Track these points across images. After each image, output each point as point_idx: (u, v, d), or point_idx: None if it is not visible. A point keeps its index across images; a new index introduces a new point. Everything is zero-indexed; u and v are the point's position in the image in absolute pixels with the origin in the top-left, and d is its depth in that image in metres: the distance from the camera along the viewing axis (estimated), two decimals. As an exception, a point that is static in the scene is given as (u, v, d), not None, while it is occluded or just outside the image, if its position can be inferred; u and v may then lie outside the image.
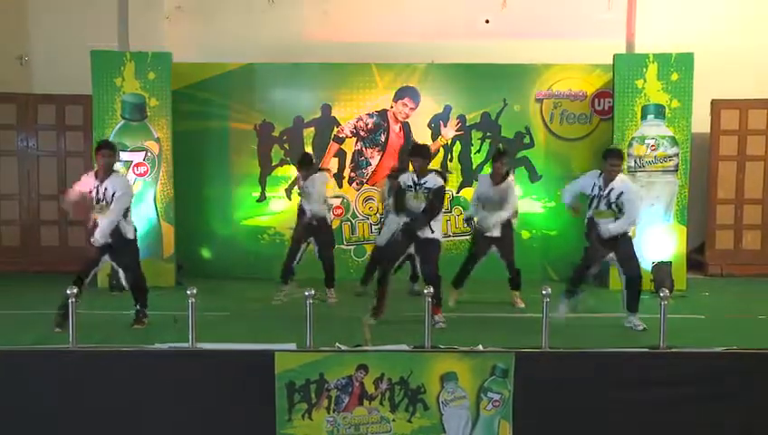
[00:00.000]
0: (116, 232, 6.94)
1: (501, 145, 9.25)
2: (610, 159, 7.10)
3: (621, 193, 7.01)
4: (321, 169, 8.57)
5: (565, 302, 7.27)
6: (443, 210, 7.51)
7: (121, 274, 7.21)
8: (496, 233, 7.84)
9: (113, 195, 6.89)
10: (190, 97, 9.62)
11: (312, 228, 8.20)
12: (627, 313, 7.22)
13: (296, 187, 8.72)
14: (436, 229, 7.28)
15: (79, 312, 5.83)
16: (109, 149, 7.08)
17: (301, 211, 8.34)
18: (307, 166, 8.24)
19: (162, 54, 9.22)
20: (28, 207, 10.31)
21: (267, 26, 10.31)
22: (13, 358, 5.80)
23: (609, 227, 7.03)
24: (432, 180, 7.27)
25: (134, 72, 9.06)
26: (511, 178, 8.06)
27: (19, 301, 8.22)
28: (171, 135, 9.18)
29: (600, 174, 7.17)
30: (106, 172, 6.98)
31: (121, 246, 7.00)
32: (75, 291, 5.77)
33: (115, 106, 9.08)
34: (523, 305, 8.07)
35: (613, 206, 7.04)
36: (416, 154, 7.40)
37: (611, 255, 7.19)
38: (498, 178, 7.90)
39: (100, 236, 6.85)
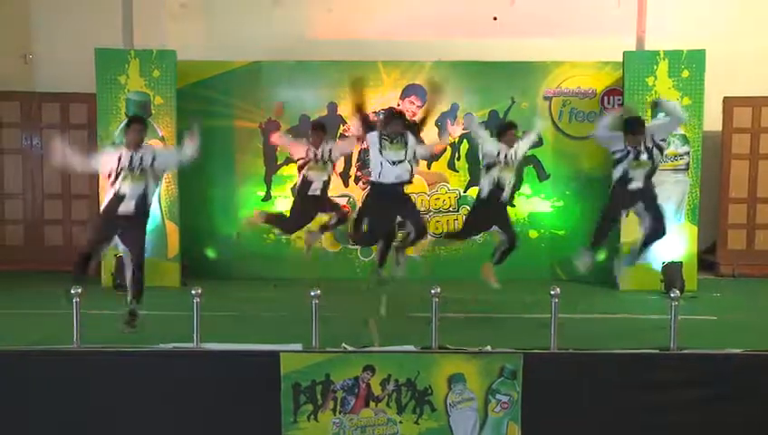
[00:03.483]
0: (142, 199, 6.66)
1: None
2: (635, 128, 7.02)
3: (653, 133, 7.04)
4: None
5: (589, 253, 7.26)
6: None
7: (125, 253, 6.81)
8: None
9: (153, 160, 6.65)
10: (195, 95, 9.56)
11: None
12: (629, 257, 7.28)
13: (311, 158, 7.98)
14: None
15: (83, 311, 5.78)
16: (140, 123, 6.82)
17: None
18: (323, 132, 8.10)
19: (167, 52, 9.16)
20: (32, 206, 10.28)
21: (272, 24, 10.26)
22: (16, 358, 5.76)
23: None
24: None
25: (139, 70, 9.01)
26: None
27: (23, 300, 8.17)
28: (176, 134, 9.12)
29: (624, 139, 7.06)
30: (138, 145, 6.71)
31: (140, 216, 6.70)
32: (79, 290, 5.72)
33: (119, 104, 9.02)
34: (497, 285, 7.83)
35: (654, 150, 7.01)
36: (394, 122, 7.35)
37: (639, 204, 7.10)
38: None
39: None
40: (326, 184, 8.04)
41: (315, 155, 7.94)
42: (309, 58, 9.85)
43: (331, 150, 8.02)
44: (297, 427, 5.60)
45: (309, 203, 8.04)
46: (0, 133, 10.29)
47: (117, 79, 8.98)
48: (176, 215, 9.15)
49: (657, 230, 7.15)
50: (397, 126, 7.31)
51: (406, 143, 7.30)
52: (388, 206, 7.40)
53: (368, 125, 7.61)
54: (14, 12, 10.54)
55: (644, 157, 7.01)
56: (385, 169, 7.28)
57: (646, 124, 7.23)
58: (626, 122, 7.19)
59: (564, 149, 9.69)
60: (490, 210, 7.68)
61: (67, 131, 10.21)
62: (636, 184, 7.05)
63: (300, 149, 8.07)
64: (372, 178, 7.52)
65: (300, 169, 8.12)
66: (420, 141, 7.60)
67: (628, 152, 7.01)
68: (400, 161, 7.26)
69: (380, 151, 7.27)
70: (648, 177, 7.09)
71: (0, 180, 10.33)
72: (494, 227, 7.81)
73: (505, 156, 7.48)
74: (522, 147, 7.69)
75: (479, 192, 7.77)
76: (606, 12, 10.05)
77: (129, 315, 6.78)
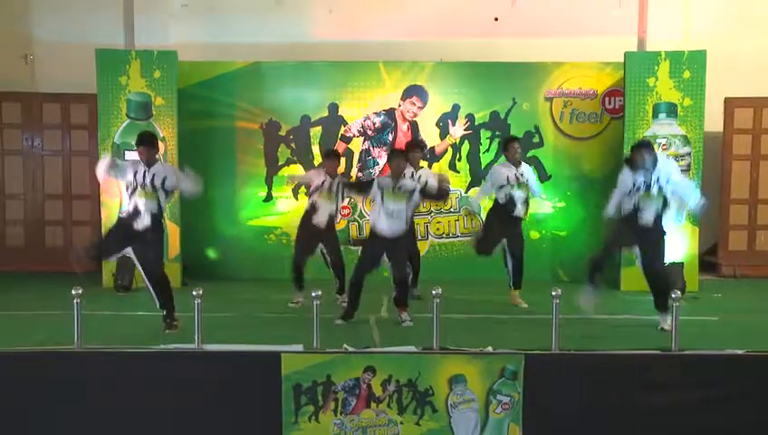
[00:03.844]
0: (156, 215, 6.72)
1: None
2: (639, 150, 6.95)
3: (670, 174, 6.92)
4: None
5: (591, 290, 7.17)
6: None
7: (140, 268, 6.89)
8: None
9: (164, 181, 6.70)
10: (196, 96, 9.57)
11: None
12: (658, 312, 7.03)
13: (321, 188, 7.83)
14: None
15: (83, 312, 5.77)
16: (145, 145, 6.79)
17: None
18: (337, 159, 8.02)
19: (168, 53, 9.17)
20: (33, 207, 10.27)
21: (274, 24, 10.26)
22: (17, 359, 5.75)
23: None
24: (409, 183, 7.23)
25: (140, 71, 9.01)
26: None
27: (23, 302, 8.16)
28: (177, 134, 9.12)
29: (634, 168, 6.98)
30: (150, 162, 6.78)
31: (155, 231, 6.76)
32: (80, 291, 5.70)
33: (120, 105, 9.02)
34: (525, 305, 7.96)
35: (664, 189, 6.87)
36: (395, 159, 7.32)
37: (635, 248, 7.05)
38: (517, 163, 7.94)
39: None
40: (332, 217, 7.83)
41: (330, 185, 7.76)
42: (310, 59, 9.86)
43: (341, 185, 7.81)
44: (298, 428, 5.58)
45: (311, 232, 7.85)
46: (1, 134, 10.29)
47: (118, 79, 8.99)
48: (177, 215, 9.14)
49: (654, 285, 6.99)
50: (397, 163, 7.20)
51: (410, 194, 7.11)
52: (379, 254, 7.22)
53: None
54: (14, 12, 10.54)
55: (654, 190, 6.88)
56: (381, 219, 7.13)
57: (667, 162, 7.12)
58: (632, 148, 7.15)
59: (565, 150, 9.68)
60: (504, 220, 7.89)
61: (68, 132, 10.23)
62: (645, 219, 6.91)
63: (318, 176, 7.90)
64: (371, 224, 7.37)
65: (309, 195, 7.97)
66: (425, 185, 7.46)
67: (638, 186, 6.90)
68: (399, 211, 7.07)
69: (382, 201, 7.12)
70: (659, 215, 6.94)
71: (1, 181, 10.33)
72: (504, 241, 7.87)
73: (515, 177, 7.82)
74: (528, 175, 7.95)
75: (496, 199, 8.00)
76: (607, 12, 10.02)
77: (164, 321, 6.82)
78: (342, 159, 9.68)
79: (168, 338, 6.30)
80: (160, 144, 8.95)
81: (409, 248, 7.69)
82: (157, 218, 6.75)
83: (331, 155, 8.10)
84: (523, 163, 8.04)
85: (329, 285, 7.82)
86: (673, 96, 8.94)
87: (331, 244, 7.94)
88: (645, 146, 7.03)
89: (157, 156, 6.94)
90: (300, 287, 7.94)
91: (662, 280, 7.03)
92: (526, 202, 7.98)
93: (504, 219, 7.95)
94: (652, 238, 6.98)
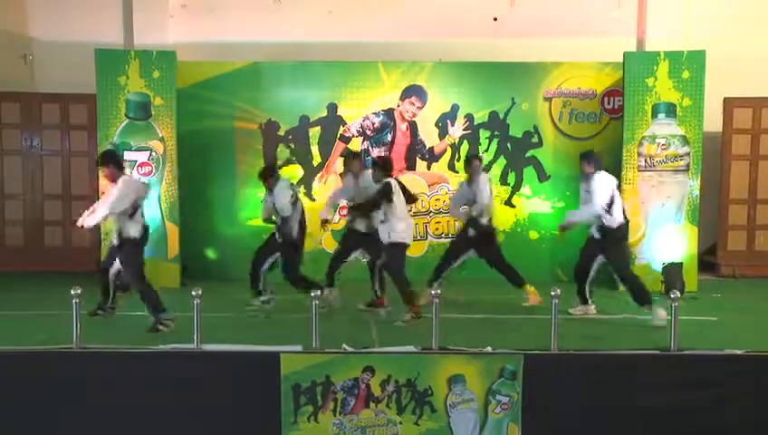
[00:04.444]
0: (119, 234, 6.83)
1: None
2: (581, 161, 7.56)
3: (590, 184, 7.32)
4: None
5: (584, 306, 7.64)
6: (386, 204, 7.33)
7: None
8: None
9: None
10: (195, 96, 9.56)
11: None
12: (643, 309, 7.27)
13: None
14: (400, 230, 7.30)
15: (83, 313, 5.77)
16: (103, 166, 6.95)
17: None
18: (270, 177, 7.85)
19: (167, 53, 9.17)
20: (32, 207, 10.27)
21: (273, 24, 10.26)
22: (16, 358, 5.75)
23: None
24: (366, 177, 7.69)
25: (139, 71, 9.00)
26: (483, 175, 8.09)
27: (23, 302, 8.16)
28: (176, 134, 9.12)
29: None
30: (114, 180, 6.87)
31: (122, 243, 6.86)
32: (79, 291, 5.70)
33: (119, 105, 9.02)
34: (525, 305, 7.95)
35: (586, 195, 7.40)
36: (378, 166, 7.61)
37: (600, 257, 7.42)
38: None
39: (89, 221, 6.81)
40: (278, 229, 7.74)
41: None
42: (309, 59, 9.85)
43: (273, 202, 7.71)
44: (297, 428, 5.58)
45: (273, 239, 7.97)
46: (0, 134, 10.28)
47: (117, 79, 8.98)
48: (176, 215, 9.14)
49: (626, 287, 7.45)
50: (353, 164, 7.83)
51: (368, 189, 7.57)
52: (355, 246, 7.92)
53: None
54: (13, 12, 10.53)
55: (588, 196, 7.36)
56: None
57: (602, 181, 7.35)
58: None
59: (564, 150, 9.68)
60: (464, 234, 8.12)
61: (67, 132, 10.22)
62: (592, 229, 7.45)
63: None
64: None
65: None
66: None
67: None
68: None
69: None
70: (601, 231, 7.32)
71: (0, 181, 10.32)
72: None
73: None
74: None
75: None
76: (606, 13, 10.03)
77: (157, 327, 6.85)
78: (341, 159, 9.70)
79: (167, 338, 6.29)
80: (159, 144, 9.05)
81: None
82: (119, 236, 6.83)
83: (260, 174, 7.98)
84: (480, 175, 8.01)
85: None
86: (672, 96, 8.95)
87: (284, 250, 7.82)
88: (581, 157, 7.56)
89: (118, 174, 6.88)
90: (253, 286, 7.92)
91: (630, 282, 7.37)
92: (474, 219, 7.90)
93: (463, 234, 8.12)
94: (608, 244, 7.34)
